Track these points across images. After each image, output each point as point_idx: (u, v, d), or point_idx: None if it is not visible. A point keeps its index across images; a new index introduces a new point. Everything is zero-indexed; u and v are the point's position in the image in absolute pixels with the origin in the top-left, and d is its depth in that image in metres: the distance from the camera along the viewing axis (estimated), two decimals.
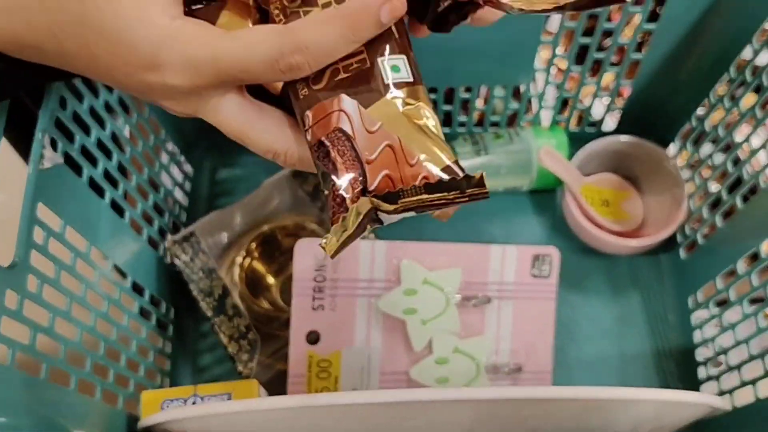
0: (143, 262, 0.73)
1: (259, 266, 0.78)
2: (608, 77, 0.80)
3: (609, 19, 0.72)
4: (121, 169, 0.69)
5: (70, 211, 0.58)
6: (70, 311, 0.57)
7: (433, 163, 0.40)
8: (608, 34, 0.74)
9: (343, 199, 0.39)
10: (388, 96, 0.40)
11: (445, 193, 0.39)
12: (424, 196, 0.39)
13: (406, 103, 0.41)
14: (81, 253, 0.60)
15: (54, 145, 0.56)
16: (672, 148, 0.84)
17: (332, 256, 0.38)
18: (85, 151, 0.62)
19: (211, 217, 0.78)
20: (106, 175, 0.65)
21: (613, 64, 0.77)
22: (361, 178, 0.39)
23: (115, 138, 0.67)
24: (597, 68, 0.79)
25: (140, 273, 0.71)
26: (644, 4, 0.69)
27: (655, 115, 0.84)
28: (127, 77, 0.40)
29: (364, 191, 0.39)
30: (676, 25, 0.72)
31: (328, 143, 0.40)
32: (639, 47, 0.76)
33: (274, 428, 0.49)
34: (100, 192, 0.64)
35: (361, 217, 0.39)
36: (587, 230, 0.79)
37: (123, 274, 0.68)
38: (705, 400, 0.52)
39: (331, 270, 0.71)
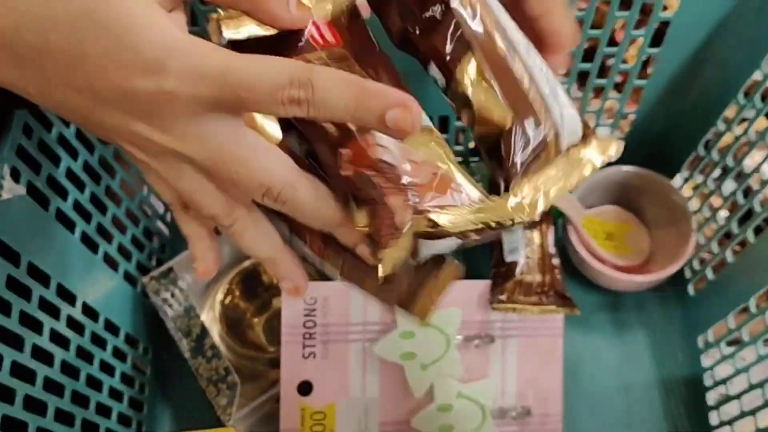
0: (118, 299, 0.69)
1: (240, 303, 0.74)
2: (610, 104, 0.76)
3: (611, 44, 0.68)
4: (95, 201, 0.65)
5: (33, 246, 0.54)
6: (29, 353, 0.53)
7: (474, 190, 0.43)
8: (610, 57, 0.70)
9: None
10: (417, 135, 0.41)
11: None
12: (471, 217, 0.41)
13: (434, 140, 0.44)
14: (44, 291, 0.56)
15: (16, 175, 0.52)
16: (678, 179, 0.80)
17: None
18: (53, 182, 0.58)
19: (189, 253, 0.73)
20: (77, 207, 0.61)
21: (615, 90, 0.74)
22: (410, 201, 0.40)
23: (88, 168, 0.64)
24: (598, 95, 0.75)
25: (114, 311, 0.67)
26: (647, 27, 0.65)
27: (659, 143, 0.80)
28: (110, 83, 0.36)
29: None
30: (680, 49, 0.68)
31: (370, 173, 0.41)
32: (642, 73, 0.72)
33: None
34: (69, 225, 0.60)
35: (415, 235, 0.41)
36: (590, 265, 0.74)
37: (95, 313, 0.64)
38: None
39: (321, 315, 0.67)
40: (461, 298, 0.69)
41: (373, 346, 0.67)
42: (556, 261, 0.71)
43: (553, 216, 0.78)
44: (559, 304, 0.67)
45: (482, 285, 0.69)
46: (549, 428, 0.67)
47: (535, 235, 0.72)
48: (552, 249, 0.72)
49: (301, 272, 0.48)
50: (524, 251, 0.71)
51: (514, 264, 0.70)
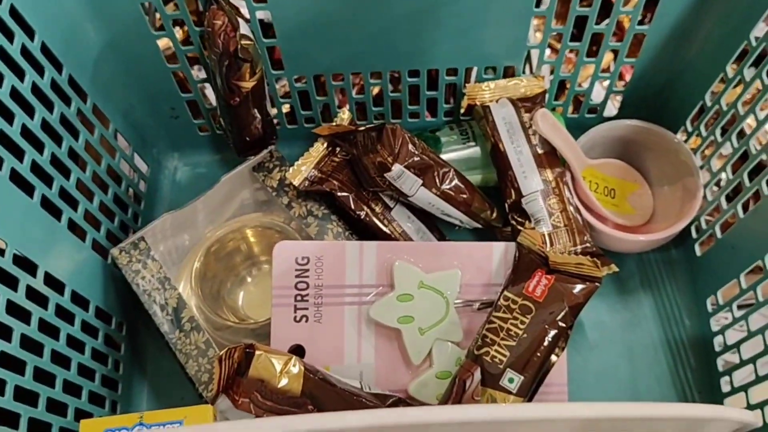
0: (87, 271, 0.64)
1: (219, 273, 0.69)
2: (609, 56, 0.71)
3: None
4: (57, 164, 0.60)
5: None
6: None
7: None
8: (608, 7, 0.65)
9: None
10: None
11: None
12: None
13: None
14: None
15: None
16: (681, 133, 0.75)
17: None
18: (7, 141, 0.53)
19: (164, 221, 0.69)
20: (36, 169, 0.56)
21: (614, 41, 0.69)
22: None
23: (47, 127, 0.58)
24: (597, 46, 0.70)
25: (83, 283, 0.62)
26: None
27: (661, 97, 0.76)
28: None
29: None
30: None
31: None
32: (643, 21, 0.67)
33: None
34: (27, 189, 0.55)
35: None
36: (590, 223, 0.70)
37: (59, 285, 0.59)
38: (732, 415, 0.43)
39: (315, 275, 0.62)
40: (461, 261, 0.64)
41: (369, 310, 0.63)
42: (580, 219, 0.69)
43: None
44: (597, 265, 0.63)
45: (483, 247, 0.65)
46: (554, 398, 0.63)
47: (554, 202, 0.68)
48: (574, 210, 0.68)
49: None
50: (549, 221, 0.67)
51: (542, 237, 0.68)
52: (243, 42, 0.64)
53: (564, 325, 0.60)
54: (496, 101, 0.72)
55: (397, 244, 0.65)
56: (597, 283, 0.62)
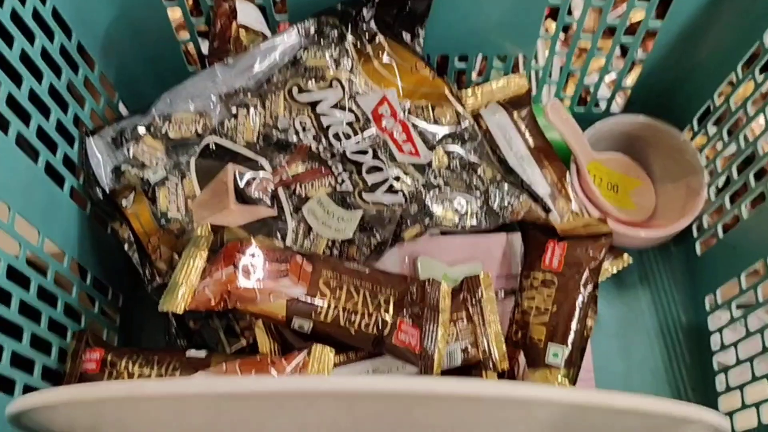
0: (86, 240, 0.63)
1: None
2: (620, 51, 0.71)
3: None
4: (62, 131, 0.59)
5: None
6: None
7: None
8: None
9: None
10: None
11: None
12: None
13: None
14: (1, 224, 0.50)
15: None
16: (687, 131, 0.75)
17: None
18: (13, 104, 0.52)
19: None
20: (41, 135, 0.56)
21: (627, 34, 0.69)
22: None
23: (54, 93, 0.58)
24: (608, 39, 0.70)
25: (82, 253, 0.62)
26: None
27: (668, 94, 0.76)
28: None
29: None
30: None
31: None
32: (656, 17, 0.67)
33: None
34: (32, 154, 0.55)
35: None
36: (592, 214, 0.70)
37: (59, 253, 0.58)
38: (708, 417, 0.38)
39: None
40: (481, 254, 0.65)
41: None
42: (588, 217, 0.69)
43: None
44: (604, 220, 0.64)
45: (503, 239, 0.66)
46: (581, 385, 0.63)
47: (563, 204, 0.68)
48: (580, 211, 0.69)
49: None
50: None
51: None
52: (241, 32, 0.64)
53: (589, 287, 0.61)
54: (485, 107, 0.71)
55: (416, 241, 0.64)
56: (608, 238, 0.62)
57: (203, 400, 0.35)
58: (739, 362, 0.63)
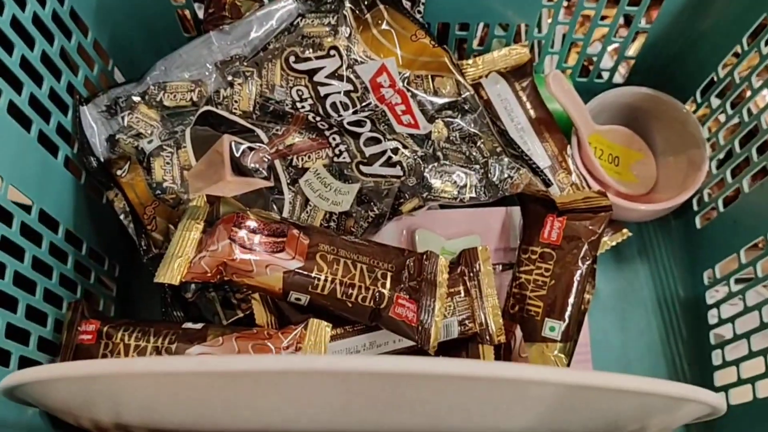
0: (81, 210, 0.62)
1: None
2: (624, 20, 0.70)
3: None
4: (56, 99, 0.58)
5: None
6: None
7: None
8: None
9: None
10: None
11: None
12: None
13: None
14: None
15: None
16: (690, 104, 0.74)
17: None
18: (5, 72, 0.51)
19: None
20: (34, 103, 0.55)
21: (631, 5, 0.68)
22: None
23: (47, 60, 0.57)
24: (613, 8, 0.69)
25: (77, 223, 0.61)
26: None
27: (671, 66, 0.75)
28: None
29: None
30: None
31: None
32: None
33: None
34: (25, 123, 0.54)
35: None
36: (592, 187, 0.69)
37: (54, 223, 0.58)
38: (697, 395, 0.38)
39: None
40: (479, 227, 0.64)
41: None
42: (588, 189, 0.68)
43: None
44: (604, 194, 0.63)
45: (502, 212, 0.66)
46: (576, 359, 0.63)
47: (563, 176, 0.67)
48: (580, 183, 0.69)
49: None
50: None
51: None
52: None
53: (588, 261, 0.60)
54: (486, 76, 0.70)
55: (414, 215, 0.64)
56: (607, 212, 0.62)
57: (196, 377, 0.35)
58: (736, 337, 0.63)
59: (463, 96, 0.64)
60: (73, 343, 0.56)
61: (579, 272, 0.60)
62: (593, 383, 0.33)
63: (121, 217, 0.61)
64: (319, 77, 0.61)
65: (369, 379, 0.33)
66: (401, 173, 0.60)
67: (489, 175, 0.62)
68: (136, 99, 0.61)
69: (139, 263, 0.64)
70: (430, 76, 0.64)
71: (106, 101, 0.62)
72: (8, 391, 0.40)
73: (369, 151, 0.60)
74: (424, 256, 0.57)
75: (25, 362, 0.52)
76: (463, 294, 0.58)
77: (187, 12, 0.70)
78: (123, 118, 0.61)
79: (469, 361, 0.38)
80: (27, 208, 0.54)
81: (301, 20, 0.62)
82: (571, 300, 0.59)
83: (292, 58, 0.61)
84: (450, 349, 0.58)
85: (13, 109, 0.52)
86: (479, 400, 0.36)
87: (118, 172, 0.60)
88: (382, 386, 0.34)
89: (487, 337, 0.58)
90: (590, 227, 0.61)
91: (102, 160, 0.61)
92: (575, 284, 0.60)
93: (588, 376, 0.33)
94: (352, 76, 0.62)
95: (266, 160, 0.59)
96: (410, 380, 0.33)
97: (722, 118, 0.68)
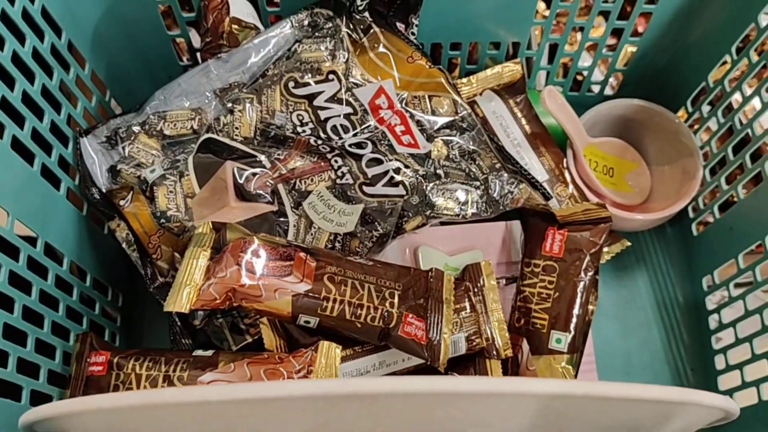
0: (84, 241, 0.62)
1: None
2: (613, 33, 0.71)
3: None
4: (56, 132, 0.59)
5: None
6: None
7: None
8: None
9: None
10: None
11: None
12: None
13: None
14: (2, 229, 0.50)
15: None
16: (682, 114, 0.76)
17: None
18: (7, 107, 0.52)
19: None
20: (36, 136, 0.55)
21: (619, 19, 0.69)
22: None
23: (47, 94, 0.57)
24: (601, 25, 0.70)
25: (81, 254, 0.61)
26: None
27: (662, 76, 0.76)
28: None
29: None
30: None
31: None
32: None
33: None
34: (27, 157, 0.54)
35: None
36: (588, 199, 0.70)
37: (59, 256, 0.58)
38: (708, 400, 0.39)
39: None
40: (480, 243, 0.65)
41: None
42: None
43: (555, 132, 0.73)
44: (603, 206, 0.64)
45: (502, 227, 0.66)
46: (582, 370, 0.64)
47: (561, 189, 0.68)
48: (578, 195, 0.69)
49: None
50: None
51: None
52: (234, 26, 0.63)
53: (591, 272, 0.61)
54: (480, 94, 0.71)
55: (414, 233, 0.64)
56: (607, 223, 0.63)
57: (222, 405, 0.35)
58: (738, 341, 0.64)
59: (460, 114, 0.65)
60: (83, 375, 0.56)
61: (582, 283, 0.61)
62: (616, 394, 0.34)
63: (124, 246, 0.61)
64: (318, 101, 0.62)
65: (400, 400, 0.33)
66: (404, 192, 0.60)
67: (489, 191, 0.63)
68: (136, 129, 0.61)
69: (142, 292, 0.64)
70: (427, 97, 0.64)
71: (105, 132, 0.62)
72: (28, 427, 0.40)
73: (371, 171, 0.61)
74: (430, 274, 0.58)
75: (36, 396, 0.52)
76: (468, 310, 0.59)
77: (182, 41, 0.71)
78: (123, 148, 0.61)
79: (500, 378, 0.38)
80: (32, 241, 0.54)
81: (298, 46, 0.62)
82: (575, 311, 0.60)
83: (291, 84, 0.62)
84: (457, 365, 0.59)
85: (16, 144, 0.52)
86: (503, 416, 0.37)
87: (121, 203, 0.60)
88: (413, 407, 0.35)
89: (494, 352, 0.58)
90: (591, 239, 0.62)
91: (104, 190, 0.61)
92: (579, 295, 0.60)
93: (611, 387, 0.34)
94: (351, 99, 0.62)
95: (269, 184, 0.60)
96: (442, 399, 0.33)
97: (714, 126, 0.69)
